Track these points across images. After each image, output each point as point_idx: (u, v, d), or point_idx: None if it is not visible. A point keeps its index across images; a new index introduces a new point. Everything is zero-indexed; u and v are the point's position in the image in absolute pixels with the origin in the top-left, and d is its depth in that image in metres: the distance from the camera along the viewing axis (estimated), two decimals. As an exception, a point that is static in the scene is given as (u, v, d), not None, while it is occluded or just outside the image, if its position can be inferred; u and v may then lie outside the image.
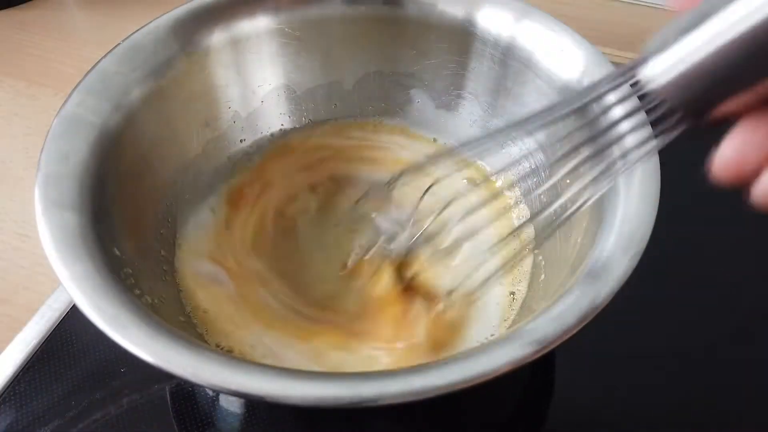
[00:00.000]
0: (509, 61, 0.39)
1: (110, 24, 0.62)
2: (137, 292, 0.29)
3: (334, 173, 0.43)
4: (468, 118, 0.43)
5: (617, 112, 0.25)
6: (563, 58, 0.36)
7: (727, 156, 0.16)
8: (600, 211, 0.30)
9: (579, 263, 0.29)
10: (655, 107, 0.19)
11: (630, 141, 0.25)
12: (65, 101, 0.32)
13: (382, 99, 0.44)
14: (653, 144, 0.22)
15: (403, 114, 0.44)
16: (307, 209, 0.41)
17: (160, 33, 0.36)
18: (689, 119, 0.19)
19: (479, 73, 0.41)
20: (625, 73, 0.20)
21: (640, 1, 0.58)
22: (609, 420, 0.36)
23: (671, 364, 0.38)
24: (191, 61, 0.37)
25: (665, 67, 0.18)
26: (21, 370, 0.37)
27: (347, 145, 0.44)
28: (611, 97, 0.25)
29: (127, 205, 0.33)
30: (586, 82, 0.34)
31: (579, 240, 0.32)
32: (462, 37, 0.40)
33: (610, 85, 0.23)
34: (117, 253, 0.29)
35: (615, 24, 0.59)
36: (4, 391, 0.36)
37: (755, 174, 0.16)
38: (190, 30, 0.37)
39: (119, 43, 0.35)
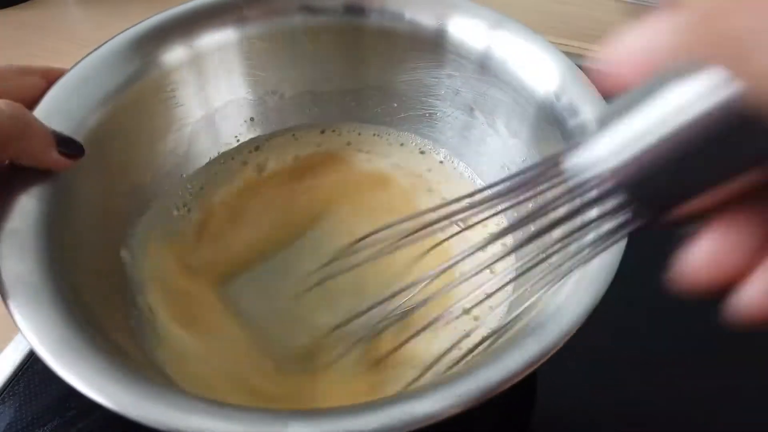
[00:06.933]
0: (483, 72, 0.38)
1: (110, 24, 0.61)
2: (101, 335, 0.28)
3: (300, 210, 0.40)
4: (447, 132, 0.42)
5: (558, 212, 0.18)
6: (538, 69, 0.35)
7: (700, 261, 0.13)
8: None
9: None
10: (601, 198, 0.15)
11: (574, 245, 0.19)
12: None
13: (354, 111, 0.43)
14: (598, 247, 0.17)
15: (377, 127, 0.43)
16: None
17: (121, 50, 0.35)
18: (644, 216, 0.14)
19: (452, 85, 0.40)
20: (550, 162, 0.15)
21: (640, 0, 0.58)
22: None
23: (657, 373, 0.38)
24: (153, 77, 0.36)
25: (613, 146, 0.14)
26: (21, 370, 0.37)
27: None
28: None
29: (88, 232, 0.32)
30: (562, 95, 0.34)
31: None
32: (433, 48, 0.39)
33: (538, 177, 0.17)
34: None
35: (615, 24, 0.59)
36: (4, 390, 0.36)
37: (734, 282, 0.13)
38: (152, 46, 0.36)
39: (77, 63, 0.34)
